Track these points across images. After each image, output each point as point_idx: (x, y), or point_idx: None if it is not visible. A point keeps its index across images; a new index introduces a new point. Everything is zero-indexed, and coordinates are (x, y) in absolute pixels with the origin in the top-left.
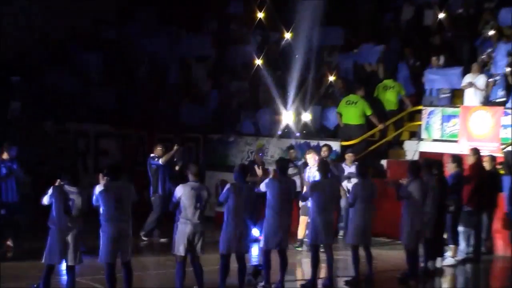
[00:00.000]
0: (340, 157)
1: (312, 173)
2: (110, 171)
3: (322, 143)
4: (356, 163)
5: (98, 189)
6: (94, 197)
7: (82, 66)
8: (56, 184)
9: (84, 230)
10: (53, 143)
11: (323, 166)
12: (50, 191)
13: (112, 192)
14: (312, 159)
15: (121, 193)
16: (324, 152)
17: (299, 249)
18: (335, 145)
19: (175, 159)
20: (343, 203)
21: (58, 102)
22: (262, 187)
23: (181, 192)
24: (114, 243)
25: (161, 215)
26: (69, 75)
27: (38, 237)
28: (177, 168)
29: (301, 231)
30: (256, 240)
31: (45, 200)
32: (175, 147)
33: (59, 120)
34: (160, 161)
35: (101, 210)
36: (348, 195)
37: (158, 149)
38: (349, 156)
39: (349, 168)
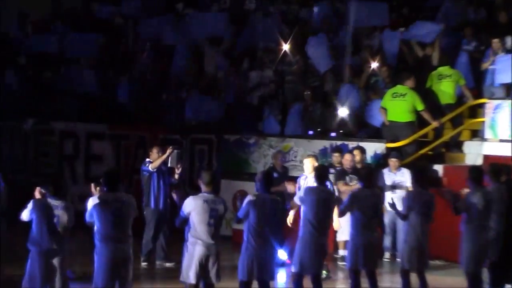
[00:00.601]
0: (382, 162)
1: (307, 183)
2: (107, 180)
3: (363, 144)
4: (402, 169)
5: (91, 202)
6: (87, 212)
7: (70, 52)
8: (37, 196)
9: (70, 251)
10: (33, 146)
11: (367, 174)
12: (30, 205)
13: (109, 206)
14: (310, 165)
15: (120, 207)
16: (356, 156)
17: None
18: (379, 147)
19: (168, 165)
20: (386, 218)
21: (40, 96)
22: (297, 200)
23: (191, 205)
24: (111, 268)
25: (157, 233)
26: (54, 64)
27: (17, 261)
28: (176, 176)
29: None
30: (283, 265)
31: (25, 215)
32: (169, 150)
33: (41, 118)
34: (150, 167)
35: (95, 228)
36: (390, 209)
37: (154, 152)
38: (393, 161)
39: (393, 175)
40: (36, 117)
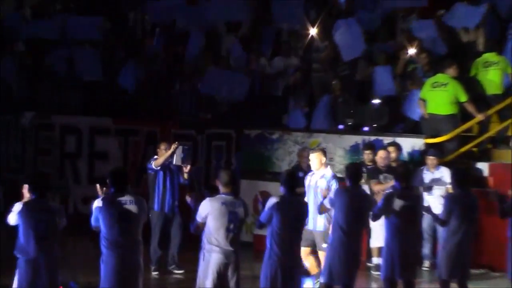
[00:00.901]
0: (420, 159)
1: (315, 181)
2: (113, 181)
3: (399, 140)
4: (441, 167)
5: (97, 205)
6: (92, 216)
7: (72, 37)
8: (26, 196)
9: (75, 259)
10: (32, 143)
11: (404, 173)
12: (16, 207)
13: (117, 209)
14: (317, 160)
15: (129, 211)
16: (391, 153)
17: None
18: (417, 143)
19: (173, 162)
20: (425, 223)
21: (39, 87)
22: (327, 203)
23: (207, 209)
24: (119, 278)
25: (163, 238)
26: (54, 50)
27: (7, 271)
28: (185, 175)
29: (314, 264)
30: (310, 274)
31: (12, 219)
32: (174, 145)
33: (41, 112)
34: (153, 165)
35: (101, 233)
36: (430, 211)
37: (162, 149)
38: (430, 159)
39: (431, 175)
40: (35, 111)
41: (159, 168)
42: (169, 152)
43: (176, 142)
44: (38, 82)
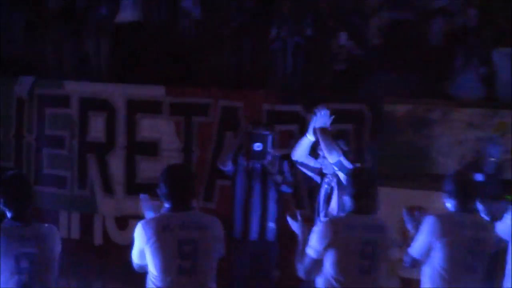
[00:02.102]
0: None
1: None
2: (170, 189)
3: None
4: None
5: (141, 230)
6: (135, 248)
7: None
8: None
9: None
10: (31, 126)
11: None
12: None
13: (175, 237)
14: None
15: (194, 240)
16: None
17: None
18: None
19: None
20: None
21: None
22: None
23: (328, 236)
24: None
25: (244, 280)
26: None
27: None
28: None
29: None
30: None
31: None
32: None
33: (47, 74)
34: (218, 163)
35: (150, 273)
36: None
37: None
38: None
39: None
40: (37, 74)
41: (232, 168)
42: (228, 146)
43: (250, 126)
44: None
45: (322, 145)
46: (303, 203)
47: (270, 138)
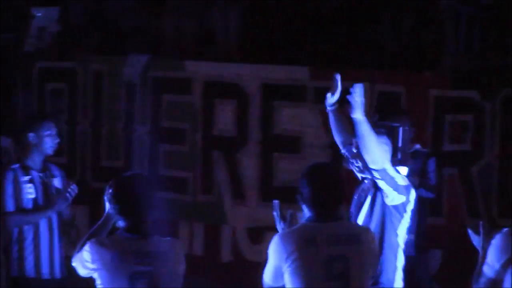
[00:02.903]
0: None
1: None
2: (314, 195)
3: None
4: None
5: (276, 246)
6: (267, 270)
7: None
8: None
9: None
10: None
11: None
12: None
13: (320, 256)
14: None
15: (345, 257)
16: None
17: None
18: None
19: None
20: None
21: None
22: None
23: (508, 251)
24: None
25: None
26: None
27: None
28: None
29: None
30: None
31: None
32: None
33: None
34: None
35: None
36: None
37: None
38: None
39: None
40: (153, 51)
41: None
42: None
43: (375, 115)
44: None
45: (360, 139)
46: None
47: (400, 131)
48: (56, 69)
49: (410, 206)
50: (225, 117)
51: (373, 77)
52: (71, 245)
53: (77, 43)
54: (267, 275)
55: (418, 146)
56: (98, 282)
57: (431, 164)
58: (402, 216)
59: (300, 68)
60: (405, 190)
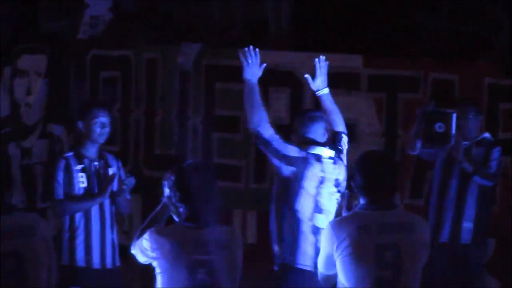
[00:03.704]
0: None
1: None
2: (367, 183)
3: None
4: None
5: (330, 231)
6: (321, 257)
7: None
8: None
9: None
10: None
11: None
12: None
13: (372, 242)
14: None
15: (397, 245)
16: None
17: None
18: None
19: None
20: None
21: None
22: None
23: None
24: None
25: None
26: None
27: None
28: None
29: None
30: None
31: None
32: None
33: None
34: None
35: (340, 281)
36: None
37: None
38: None
39: None
40: (206, 39)
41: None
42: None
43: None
44: None
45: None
46: None
47: (454, 118)
48: (110, 57)
49: (309, 181)
50: (278, 105)
51: (427, 66)
52: (123, 234)
53: (130, 31)
54: (320, 263)
55: (487, 134)
56: (157, 270)
57: (495, 153)
58: (297, 188)
59: (353, 56)
60: (294, 161)
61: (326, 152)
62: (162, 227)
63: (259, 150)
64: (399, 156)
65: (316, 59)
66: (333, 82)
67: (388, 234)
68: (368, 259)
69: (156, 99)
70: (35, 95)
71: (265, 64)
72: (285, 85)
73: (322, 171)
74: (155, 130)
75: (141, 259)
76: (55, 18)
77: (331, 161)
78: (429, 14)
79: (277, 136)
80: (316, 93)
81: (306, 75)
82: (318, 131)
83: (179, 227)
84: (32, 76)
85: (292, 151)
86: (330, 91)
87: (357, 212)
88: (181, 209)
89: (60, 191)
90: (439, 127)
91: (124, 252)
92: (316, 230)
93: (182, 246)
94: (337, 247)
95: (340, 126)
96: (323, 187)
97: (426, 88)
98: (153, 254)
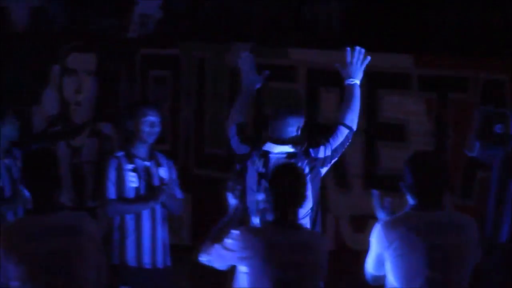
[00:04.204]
0: None
1: None
2: (417, 183)
3: None
4: None
5: (378, 234)
6: (370, 258)
7: None
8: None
9: None
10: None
11: None
12: None
13: (424, 245)
14: None
15: (449, 241)
16: None
17: None
18: None
19: None
20: None
21: None
22: None
23: None
24: None
25: None
26: None
27: None
28: None
29: None
30: None
31: None
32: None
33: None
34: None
35: (390, 281)
36: None
37: None
38: None
39: None
40: (254, 38)
41: (484, 154)
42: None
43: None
44: None
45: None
46: None
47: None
48: (159, 56)
49: (249, 178)
50: (330, 105)
51: (478, 65)
52: (174, 234)
53: (180, 30)
54: (369, 264)
55: None
56: (243, 270)
57: None
58: (245, 185)
59: (404, 55)
60: (240, 159)
61: (278, 148)
62: (253, 226)
63: None
64: (449, 156)
65: (350, 50)
66: (383, 82)
67: (438, 234)
68: (418, 259)
69: (205, 98)
70: (84, 93)
71: (267, 72)
72: (336, 84)
73: (264, 167)
74: (205, 129)
75: (220, 264)
76: (105, 16)
77: (284, 156)
78: (483, 14)
79: (236, 136)
80: (345, 82)
81: (337, 64)
82: (281, 128)
83: (267, 227)
84: (82, 74)
85: (242, 149)
86: (381, 90)
87: (407, 213)
88: (270, 209)
89: (112, 191)
90: (499, 128)
91: (175, 251)
92: None
93: (274, 246)
94: (387, 248)
95: (346, 119)
96: (265, 183)
97: (477, 88)
98: (243, 254)
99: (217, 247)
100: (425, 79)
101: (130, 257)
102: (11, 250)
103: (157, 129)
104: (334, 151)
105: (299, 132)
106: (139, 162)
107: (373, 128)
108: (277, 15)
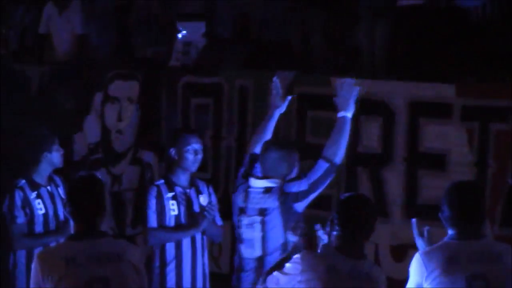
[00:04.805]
0: None
1: None
2: (458, 212)
3: None
4: None
5: (418, 262)
6: (409, 283)
7: None
8: None
9: None
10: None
11: None
12: None
13: (464, 268)
14: None
15: (489, 271)
16: None
17: None
18: None
19: None
20: None
21: None
22: None
23: None
24: None
25: None
26: None
27: None
28: None
29: None
30: None
31: None
32: None
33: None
34: None
35: None
36: None
37: None
38: None
39: None
40: (299, 66)
41: None
42: None
43: None
44: None
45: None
46: None
47: None
48: (202, 84)
49: (233, 211)
50: (370, 134)
51: None
52: (213, 261)
53: (223, 58)
54: None
55: None
56: None
57: None
58: None
59: (446, 85)
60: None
61: (257, 183)
62: (311, 251)
63: (349, 180)
64: (490, 186)
65: (338, 81)
66: (426, 111)
67: (477, 264)
68: None
69: (248, 126)
70: (126, 121)
71: (290, 97)
72: (378, 113)
73: (244, 201)
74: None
75: None
76: (150, 44)
77: (261, 190)
78: None
79: (243, 168)
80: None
81: (335, 98)
82: (267, 161)
83: (330, 251)
84: (124, 102)
85: (239, 181)
86: (423, 120)
87: (446, 243)
88: (334, 233)
89: (153, 219)
90: None
91: (214, 280)
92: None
93: (333, 272)
94: (427, 277)
95: (327, 152)
96: (243, 217)
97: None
98: (303, 278)
99: (275, 274)
100: (467, 108)
101: (170, 285)
102: (51, 274)
103: (200, 157)
104: (312, 185)
105: (290, 168)
106: (179, 189)
107: (414, 157)
108: (320, 43)
